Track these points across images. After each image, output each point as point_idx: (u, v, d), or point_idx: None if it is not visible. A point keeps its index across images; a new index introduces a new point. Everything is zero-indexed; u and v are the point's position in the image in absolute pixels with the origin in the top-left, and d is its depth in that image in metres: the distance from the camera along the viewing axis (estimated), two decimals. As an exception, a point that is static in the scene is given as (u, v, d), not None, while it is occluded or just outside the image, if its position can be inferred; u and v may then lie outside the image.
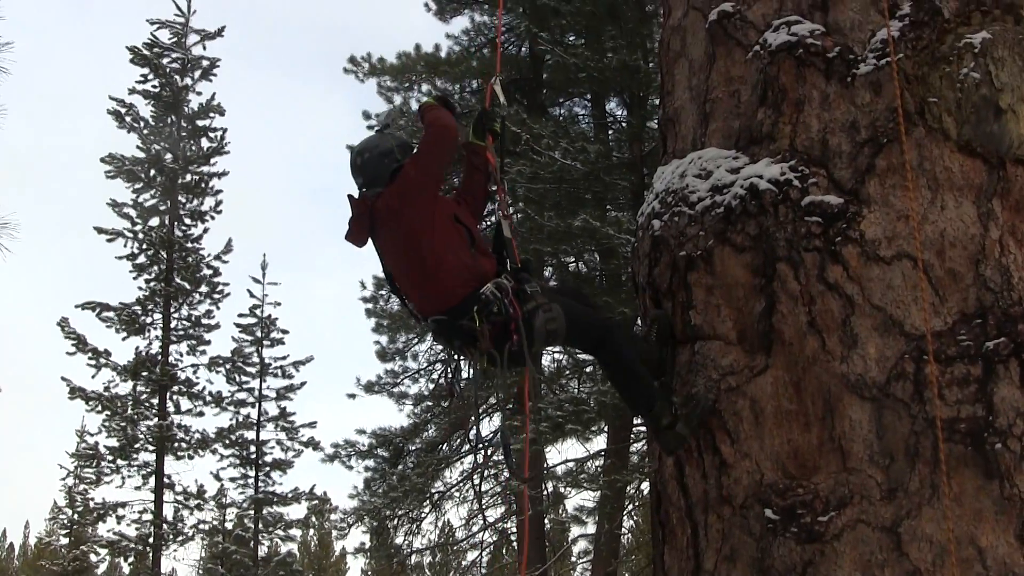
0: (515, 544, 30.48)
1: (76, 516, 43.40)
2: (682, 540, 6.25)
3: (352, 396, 29.51)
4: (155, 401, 30.08)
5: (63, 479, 41.77)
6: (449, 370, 7.47)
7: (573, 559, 38.29)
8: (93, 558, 44.80)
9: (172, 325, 30.54)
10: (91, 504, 31.92)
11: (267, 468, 28.41)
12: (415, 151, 6.27)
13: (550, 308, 6.06)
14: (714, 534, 6.00)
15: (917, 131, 5.88)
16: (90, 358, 29.55)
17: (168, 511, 29.27)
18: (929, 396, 5.48)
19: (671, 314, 6.41)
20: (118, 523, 29.73)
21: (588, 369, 26.57)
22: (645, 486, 27.60)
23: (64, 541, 48.14)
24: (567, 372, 26.77)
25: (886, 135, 5.88)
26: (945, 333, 5.61)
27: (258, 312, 31.34)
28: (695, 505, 6.16)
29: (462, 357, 6.45)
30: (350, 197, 6.33)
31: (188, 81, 32.08)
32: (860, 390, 5.65)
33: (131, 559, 30.45)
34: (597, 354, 6.52)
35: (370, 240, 6.34)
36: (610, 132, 25.49)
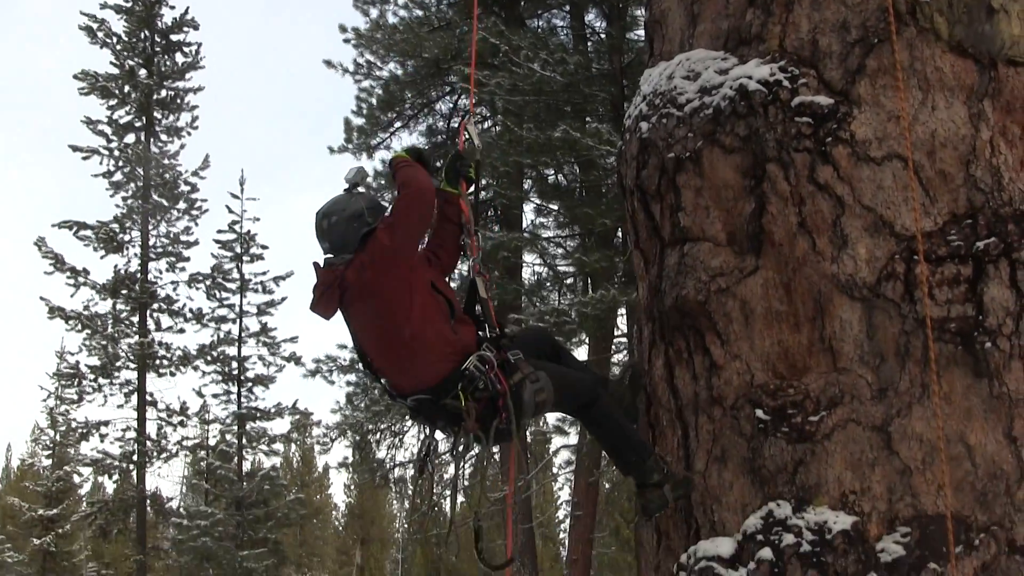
0: (496, 456, 30.65)
1: (58, 437, 43.51)
2: (672, 441, 6.26)
3: (333, 312, 29.42)
4: (135, 319, 30.07)
5: (44, 400, 41.87)
6: (423, 448, 6.54)
7: (555, 470, 38.60)
8: (76, 479, 45.20)
9: (150, 242, 30.44)
10: (73, 424, 31.98)
11: (249, 384, 28.42)
12: (388, 216, 5.73)
13: (537, 378, 5.72)
14: (704, 435, 6.01)
15: (908, 31, 5.81)
16: (68, 277, 29.48)
17: (151, 428, 29.42)
18: (919, 296, 5.48)
19: (659, 218, 6.38)
20: (101, 441, 29.86)
21: (568, 281, 26.60)
22: (627, 397, 27.75)
23: (47, 462, 48.32)
24: (547, 284, 26.80)
25: (877, 35, 5.81)
26: (935, 233, 5.60)
27: (237, 228, 31.20)
28: (685, 406, 6.16)
29: (444, 436, 6.03)
30: (316, 266, 5.80)
31: (161, -5, 31.66)
32: (850, 290, 5.64)
33: (115, 477, 30.56)
34: (584, 415, 6.18)
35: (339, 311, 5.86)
36: (589, 43, 25.23)
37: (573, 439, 29.02)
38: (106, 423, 29.99)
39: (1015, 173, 5.67)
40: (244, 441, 27.34)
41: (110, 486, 38.81)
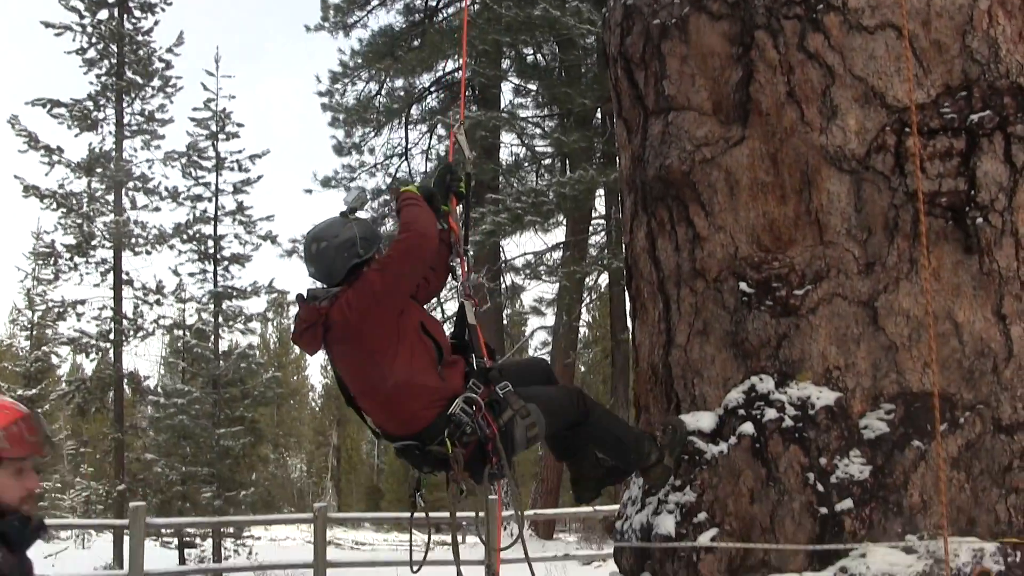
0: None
1: (36, 318, 43.47)
2: (653, 314, 6.16)
3: (309, 191, 29.45)
4: (110, 197, 29.73)
5: (21, 281, 41.75)
6: (412, 484, 5.89)
7: (531, 352, 38.81)
8: (55, 359, 45.17)
9: (125, 120, 29.96)
10: (50, 303, 31.84)
11: (225, 262, 28.18)
12: (384, 256, 5.31)
13: (528, 412, 5.35)
14: (687, 308, 5.91)
15: None
16: (42, 155, 29.07)
17: (128, 307, 29.21)
18: (910, 169, 5.35)
19: (643, 87, 6.22)
20: (78, 320, 29.75)
21: (546, 162, 26.49)
22: (604, 278, 27.89)
23: (25, 343, 48.40)
24: (526, 164, 26.71)
25: None
26: (928, 105, 5.45)
27: (212, 106, 30.66)
28: (667, 279, 6.05)
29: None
30: (299, 298, 5.44)
31: None
32: (839, 162, 5.51)
33: (92, 356, 30.53)
34: (578, 432, 5.77)
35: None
36: (572, -83, 24.83)
37: (550, 320, 29.15)
38: (82, 302, 29.81)
39: (1013, 45, 5.51)
40: (220, 320, 27.23)
41: (88, 366, 38.82)
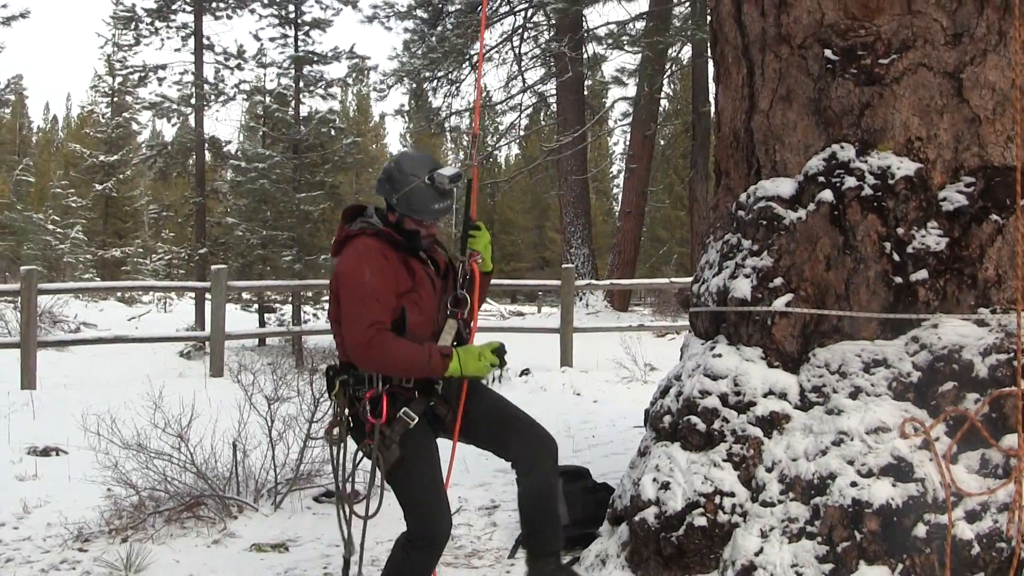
0: (553, 107, 30.65)
1: (117, 84, 43.91)
2: (737, 79, 6.15)
3: (391, -43, 29.07)
4: (190, -39, 29.55)
5: (102, 47, 41.94)
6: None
7: (611, 123, 38.64)
8: (135, 126, 45.71)
9: None
10: (131, 69, 32.03)
11: (306, 27, 27.94)
12: (347, 293, 4.81)
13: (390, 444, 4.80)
14: (770, 73, 5.89)
15: None
16: (122, -80, 28.86)
17: (209, 72, 29.30)
18: (1005, -63, 5.25)
19: None
20: (159, 85, 30.09)
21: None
22: (687, 50, 27.54)
23: (107, 110, 49.01)
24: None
25: None
26: None
27: None
28: (752, 44, 6.01)
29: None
30: (353, 207, 5.15)
31: None
32: (932, -71, 5.39)
33: (173, 121, 30.84)
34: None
35: None
36: None
37: (631, 91, 28.91)
38: (163, 67, 30.03)
39: None
40: (301, 85, 27.15)
41: (169, 131, 39.24)
